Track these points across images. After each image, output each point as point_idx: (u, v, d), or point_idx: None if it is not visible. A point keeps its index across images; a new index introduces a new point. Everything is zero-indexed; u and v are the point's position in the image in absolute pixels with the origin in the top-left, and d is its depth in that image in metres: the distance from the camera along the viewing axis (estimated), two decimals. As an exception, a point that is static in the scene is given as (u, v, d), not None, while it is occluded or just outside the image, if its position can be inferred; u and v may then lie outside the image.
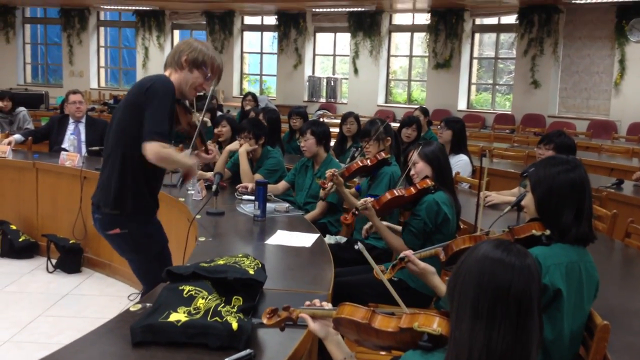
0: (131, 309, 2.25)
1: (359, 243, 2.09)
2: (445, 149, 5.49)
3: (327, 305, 1.97)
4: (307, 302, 2.00)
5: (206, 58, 3.04)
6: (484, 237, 2.58)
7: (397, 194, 3.40)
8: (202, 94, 3.31)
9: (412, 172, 3.49)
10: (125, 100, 3.04)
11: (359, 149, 4.70)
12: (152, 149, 2.78)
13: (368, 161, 4.27)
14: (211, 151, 3.37)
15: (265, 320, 1.96)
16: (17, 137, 6.50)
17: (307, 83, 15.42)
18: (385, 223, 3.58)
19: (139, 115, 2.84)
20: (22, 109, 8.12)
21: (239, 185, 4.68)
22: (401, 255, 2.63)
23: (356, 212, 3.44)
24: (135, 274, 3.30)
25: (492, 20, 13.77)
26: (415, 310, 1.76)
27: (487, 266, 1.55)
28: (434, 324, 1.66)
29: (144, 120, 2.82)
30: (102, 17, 17.50)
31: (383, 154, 4.28)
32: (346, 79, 15.25)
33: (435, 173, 3.43)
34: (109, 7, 16.65)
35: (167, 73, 3.07)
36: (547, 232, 2.28)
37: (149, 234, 3.14)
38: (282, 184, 4.93)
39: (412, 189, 3.39)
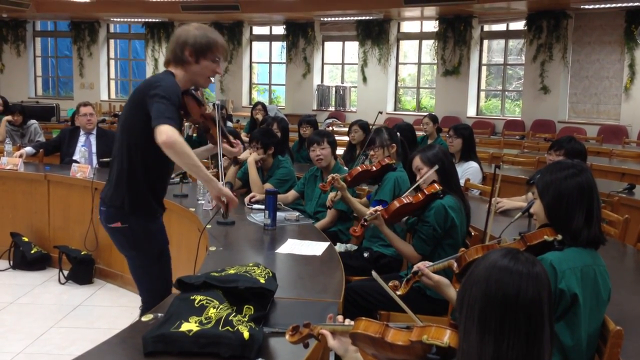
0: (143, 319, 2.25)
1: (373, 272, 2.08)
2: (456, 157, 5.51)
3: (347, 322, 1.96)
4: (331, 315, 1.99)
5: (210, 42, 2.93)
6: (496, 245, 2.55)
7: (405, 202, 3.39)
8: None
9: (418, 179, 3.49)
10: (131, 98, 3.02)
11: (368, 156, 4.70)
12: (164, 130, 2.64)
13: (372, 166, 4.26)
14: (236, 144, 3.23)
15: (288, 338, 1.96)
16: (29, 149, 6.54)
17: (316, 92, 15.45)
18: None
19: (144, 112, 2.79)
20: (33, 121, 8.20)
21: (247, 197, 4.66)
22: (414, 269, 2.62)
23: (365, 223, 3.44)
24: (132, 275, 3.25)
25: (501, 27, 13.75)
26: (429, 322, 1.76)
27: (494, 275, 1.53)
28: (445, 337, 1.66)
29: (151, 113, 2.73)
30: (111, 30, 17.62)
31: (387, 160, 4.27)
32: (355, 87, 15.27)
33: (441, 177, 3.42)
34: (118, 19, 16.77)
35: (171, 69, 2.99)
36: (559, 237, 2.27)
37: (149, 232, 3.10)
38: (292, 194, 4.93)
39: (420, 195, 3.39)
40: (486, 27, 13.75)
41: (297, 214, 4.27)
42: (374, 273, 2.07)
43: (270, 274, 2.45)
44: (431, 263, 2.64)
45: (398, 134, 4.67)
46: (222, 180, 3.00)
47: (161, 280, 3.12)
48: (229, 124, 8.52)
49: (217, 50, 2.94)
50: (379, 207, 3.44)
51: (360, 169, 4.23)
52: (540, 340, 1.50)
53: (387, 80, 14.56)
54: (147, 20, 16.35)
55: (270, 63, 16.61)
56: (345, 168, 5.08)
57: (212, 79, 3.09)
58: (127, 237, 3.09)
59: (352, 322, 1.91)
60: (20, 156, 6.27)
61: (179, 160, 2.71)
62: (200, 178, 2.85)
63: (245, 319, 2.10)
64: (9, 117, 8.01)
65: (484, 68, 14.00)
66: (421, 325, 1.74)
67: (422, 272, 2.57)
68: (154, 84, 2.84)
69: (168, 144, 2.64)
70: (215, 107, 3.10)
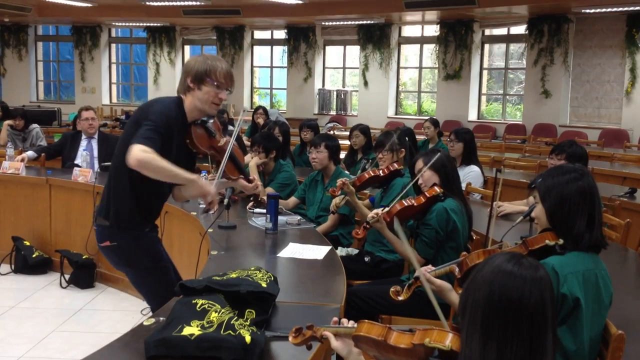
0: (145, 323, 2.25)
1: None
2: (457, 161, 5.51)
3: (350, 324, 1.96)
4: (335, 319, 1.99)
5: (207, 68, 2.94)
6: (497, 250, 2.55)
7: (406, 204, 3.39)
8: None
9: (420, 181, 3.49)
10: (132, 115, 3.09)
11: (370, 160, 4.69)
12: (132, 151, 2.69)
13: (380, 172, 4.25)
14: (254, 179, 3.32)
15: (291, 339, 1.96)
16: (30, 153, 6.55)
17: (317, 96, 15.46)
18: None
19: (136, 131, 2.83)
20: (35, 125, 8.21)
21: (249, 205, 4.65)
22: (416, 274, 2.61)
23: (367, 226, 3.44)
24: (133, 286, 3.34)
25: (502, 31, 13.77)
26: (431, 325, 1.76)
27: (498, 280, 1.52)
28: (447, 340, 1.66)
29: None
30: (113, 34, 17.67)
31: (396, 165, 4.27)
32: (356, 91, 15.29)
33: (443, 180, 3.42)
34: (120, 24, 16.80)
35: (183, 98, 3.04)
36: (561, 241, 2.27)
37: (138, 248, 3.10)
38: (292, 200, 4.93)
39: (422, 198, 3.39)
40: (487, 32, 13.77)
41: (299, 218, 4.27)
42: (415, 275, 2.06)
43: (272, 278, 2.45)
44: (433, 268, 2.64)
45: (407, 138, 4.66)
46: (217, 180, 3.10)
47: (163, 286, 3.12)
48: (230, 127, 8.52)
49: (215, 76, 2.94)
50: (379, 211, 3.44)
51: (368, 175, 4.22)
52: (543, 346, 1.50)
53: (388, 84, 14.57)
54: (148, 24, 16.38)
55: (271, 67, 16.64)
56: (346, 172, 5.08)
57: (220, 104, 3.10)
58: (118, 255, 3.13)
59: (355, 324, 1.91)
60: (22, 160, 6.28)
61: (155, 176, 2.78)
62: (184, 181, 2.91)
63: (247, 323, 2.10)
64: (10, 121, 8.02)
65: (485, 72, 14.01)
66: (424, 328, 1.74)
67: (424, 276, 2.56)
68: (150, 106, 2.93)
69: (136, 164, 2.70)
70: (224, 116, 3.14)
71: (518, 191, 5.98)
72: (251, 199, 3.29)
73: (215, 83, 2.95)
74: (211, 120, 3.14)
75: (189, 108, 3.00)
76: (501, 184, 3.18)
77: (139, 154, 2.68)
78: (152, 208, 3.15)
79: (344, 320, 1.97)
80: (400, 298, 2.55)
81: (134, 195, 2.99)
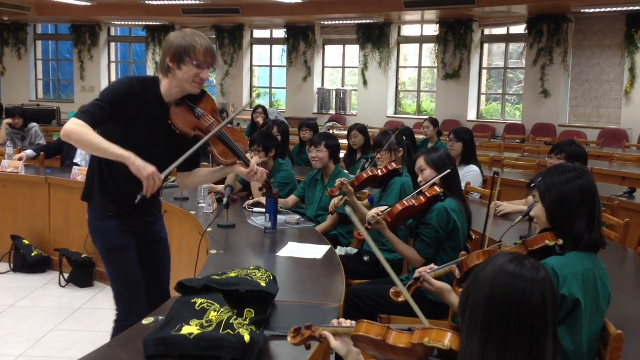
0: (144, 322, 2.25)
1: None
2: (457, 161, 5.51)
3: (348, 323, 1.96)
4: (334, 321, 1.99)
5: (185, 46, 2.77)
6: (497, 250, 2.55)
7: (407, 204, 3.39)
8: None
9: (419, 179, 3.49)
10: None
11: (369, 160, 4.70)
12: (66, 124, 2.68)
13: (379, 171, 4.26)
14: (251, 164, 3.06)
15: (289, 339, 1.96)
16: (29, 152, 6.55)
17: (317, 95, 15.46)
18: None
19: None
20: (34, 124, 8.20)
21: (247, 203, 4.64)
22: (416, 275, 2.61)
23: (369, 227, 3.44)
24: None
25: (501, 31, 13.77)
26: (430, 325, 1.76)
27: (499, 281, 1.52)
28: (446, 340, 1.66)
29: None
30: (112, 33, 17.66)
31: (394, 165, 4.28)
32: (355, 90, 15.29)
33: (442, 179, 3.42)
34: (119, 22, 16.79)
35: (162, 78, 2.89)
36: (560, 241, 2.27)
37: (97, 230, 3.04)
38: (292, 199, 4.94)
39: (422, 198, 3.39)
40: (487, 31, 13.77)
41: (298, 217, 4.27)
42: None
43: (271, 277, 2.45)
44: (435, 267, 2.63)
45: (404, 137, 4.66)
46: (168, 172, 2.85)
47: (121, 278, 3.07)
48: (229, 126, 8.51)
49: (195, 54, 2.77)
50: (381, 209, 3.44)
51: (367, 175, 4.22)
52: (543, 348, 1.49)
53: (388, 84, 14.57)
54: (147, 23, 16.36)
55: (271, 66, 16.63)
56: (345, 172, 5.09)
57: (209, 83, 3.02)
58: (90, 230, 3.09)
59: (354, 324, 1.91)
60: (20, 159, 6.28)
61: (82, 148, 2.86)
62: (113, 157, 2.69)
63: (246, 323, 2.10)
64: (9, 120, 8.02)
65: (484, 72, 14.01)
66: (423, 327, 1.74)
67: (424, 278, 2.56)
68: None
69: (63, 134, 2.68)
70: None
71: (517, 191, 5.99)
72: (262, 191, 3.05)
73: (195, 62, 2.78)
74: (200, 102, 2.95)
75: (167, 87, 2.87)
76: (499, 184, 3.18)
77: (69, 125, 2.66)
78: (117, 192, 2.96)
79: (343, 320, 1.97)
80: (401, 299, 2.55)
81: (100, 175, 2.95)
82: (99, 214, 3.02)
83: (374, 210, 3.52)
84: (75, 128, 2.64)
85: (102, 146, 2.66)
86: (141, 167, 2.64)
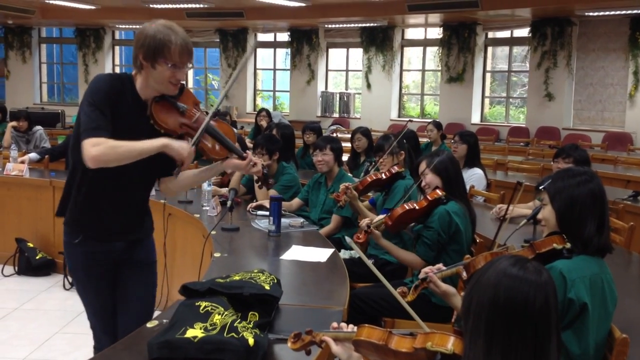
0: (148, 325, 2.25)
1: (346, 237, 2.09)
2: (460, 163, 5.51)
3: (349, 328, 1.96)
4: (334, 325, 1.99)
5: (158, 45, 2.49)
6: (505, 253, 2.54)
7: (408, 208, 3.39)
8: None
9: (423, 184, 3.49)
10: None
11: (373, 163, 4.70)
12: (85, 152, 2.40)
13: (382, 175, 4.28)
14: (247, 154, 2.79)
15: (290, 345, 1.95)
16: (33, 155, 6.56)
17: (320, 98, 15.46)
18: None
19: (79, 119, 2.53)
20: (38, 127, 8.22)
21: (250, 206, 4.64)
22: (422, 275, 2.60)
23: (369, 230, 3.44)
24: None
25: (505, 34, 13.75)
26: (432, 329, 1.76)
27: (502, 284, 1.51)
28: (449, 344, 1.65)
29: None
30: (117, 36, 17.68)
31: (397, 168, 4.29)
32: (359, 93, 15.28)
33: (445, 183, 3.42)
34: (123, 26, 16.82)
35: (135, 74, 2.64)
36: (568, 245, 2.26)
37: (70, 255, 2.78)
38: (296, 202, 4.93)
39: (424, 201, 3.39)
40: (490, 34, 13.76)
41: (302, 220, 4.27)
42: (347, 238, 2.09)
43: (275, 281, 2.45)
44: (443, 267, 2.61)
45: (405, 141, 4.67)
46: (193, 143, 2.62)
47: (88, 310, 3.02)
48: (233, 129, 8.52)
49: (170, 54, 2.49)
50: (382, 216, 3.45)
51: (370, 179, 4.25)
52: (547, 351, 1.49)
53: (391, 87, 14.56)
54: (152, 27, 16.37)
55: (274, 70, 16.64)
56: (349, 175, 5.08)
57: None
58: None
59: (355, 328, 1.91)
60: (22, 162, 6.28)
61: (124, 162, 2.47)
62: (155, 151, 2.51)
63: (250, 326, 2.10)
64: (14, 123, 8.04)
65: (488, 75, 13.99)
66: (425, 332, 1.73)
67: (431, 279, 2.55)
68: (88, 86, 2.57)
69: (95, 163, 2.42)
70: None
71: (522, 194, 5.96)
72: (258, 184, 2.87)
73: (170, 64, 2.51)
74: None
75: (143, 84, 2.60)
76: (521, 191, 3.18)
77: (92, 150, 2.39)
78: (87, 218, 2.69)
79: (343, 325, 1.97)
80: (407, 299, 2.54)
81: (78, 191, 2.65)
82: (67, 238, 2.74)
83: (365, 221, 3.53)
84: (102, 150, 2.40)
85: (139, 148, 2.47)
86: (180, 147, 2.53)
